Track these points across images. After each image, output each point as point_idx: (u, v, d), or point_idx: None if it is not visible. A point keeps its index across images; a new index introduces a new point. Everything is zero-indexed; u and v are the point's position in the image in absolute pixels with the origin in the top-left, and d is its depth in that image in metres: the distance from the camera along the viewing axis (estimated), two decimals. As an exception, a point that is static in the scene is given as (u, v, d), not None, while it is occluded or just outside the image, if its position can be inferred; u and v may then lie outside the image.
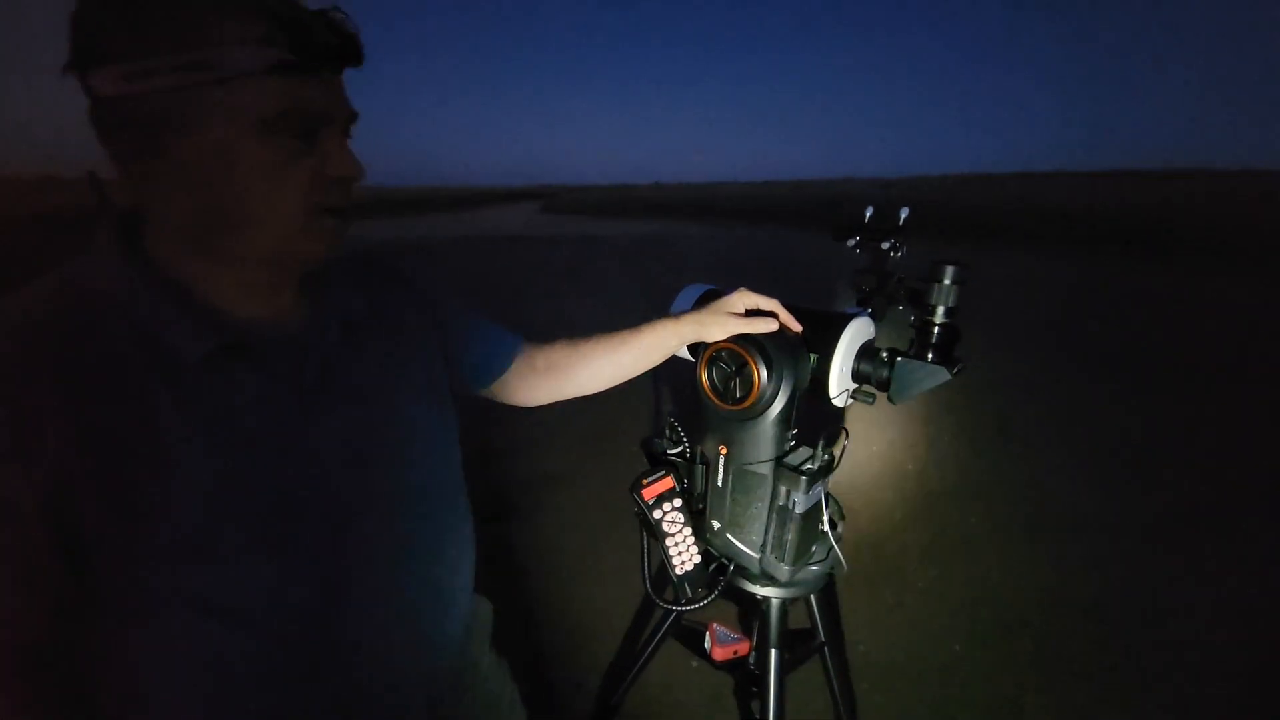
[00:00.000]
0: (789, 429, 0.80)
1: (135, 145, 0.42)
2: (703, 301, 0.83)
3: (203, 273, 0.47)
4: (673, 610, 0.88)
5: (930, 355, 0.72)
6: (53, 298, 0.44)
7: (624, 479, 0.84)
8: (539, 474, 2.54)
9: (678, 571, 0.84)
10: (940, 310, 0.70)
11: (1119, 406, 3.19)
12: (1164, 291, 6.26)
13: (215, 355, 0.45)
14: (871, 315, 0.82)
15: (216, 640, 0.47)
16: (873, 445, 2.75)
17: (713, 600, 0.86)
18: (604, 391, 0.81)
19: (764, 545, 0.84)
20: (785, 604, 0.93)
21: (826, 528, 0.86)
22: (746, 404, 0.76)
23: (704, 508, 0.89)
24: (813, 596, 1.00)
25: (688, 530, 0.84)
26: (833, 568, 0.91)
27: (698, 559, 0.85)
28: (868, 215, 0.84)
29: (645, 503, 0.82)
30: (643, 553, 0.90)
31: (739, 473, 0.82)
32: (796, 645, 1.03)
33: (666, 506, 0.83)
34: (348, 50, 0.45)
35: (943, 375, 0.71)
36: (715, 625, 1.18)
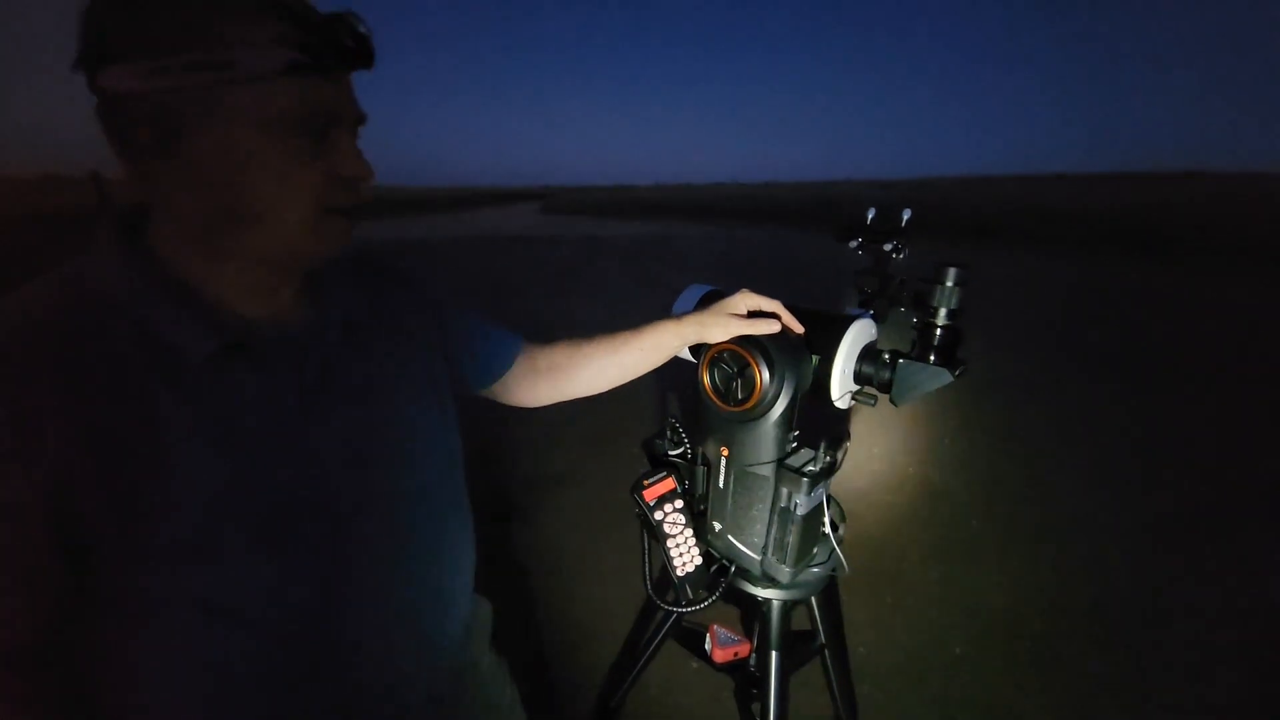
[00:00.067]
0: (791, 431, 0.80)
1: (146, 143, 0.41)
2: (704, 302, 0.83)
3: (207, 272, 0.47)
4: (674, 612, 0.88)
5: (932, 357, 0.72)
6: (54, 297, 0.44)
7: (625, 479, 0.84)
8: (539, 474, 2.54)
9: (679, 573, 0.84)
10: (942, 312, 0.70)
11: (1119, 407, 3.19)
12: (1164, 292, 6.27)
13: (217, 355, 0.45)
14: (873, 317, 0.81)
15: (217, 640, 0.47)
16: (873, 447, 2.75)
17: (714, 602, 0.85)
18: (605, 392, 0.81)
19: (765, 547, 0.83)
20: (786, 606, 0.93)
21: (828, 530, 0.86)
22: (748, 405, 0.76)
23: (705, 509, 0.89)
24: (814, 598, 1.00)
25: (689, 532, 0.84)
26: (834, 570, 0.91)
27: (699, 560, 0.85)
28: (870, 217, 0.84)
29: (646, 504, 0.82)
30: (643, 554, 0.90)
31: (740, 474, 0.82)
32: (797, 647, 1.03)
33: (668, 508, 0.83)
34: (361, 52, 0.45)
35: (945, 377, 0.71)
36: (716, 627, 1.18)
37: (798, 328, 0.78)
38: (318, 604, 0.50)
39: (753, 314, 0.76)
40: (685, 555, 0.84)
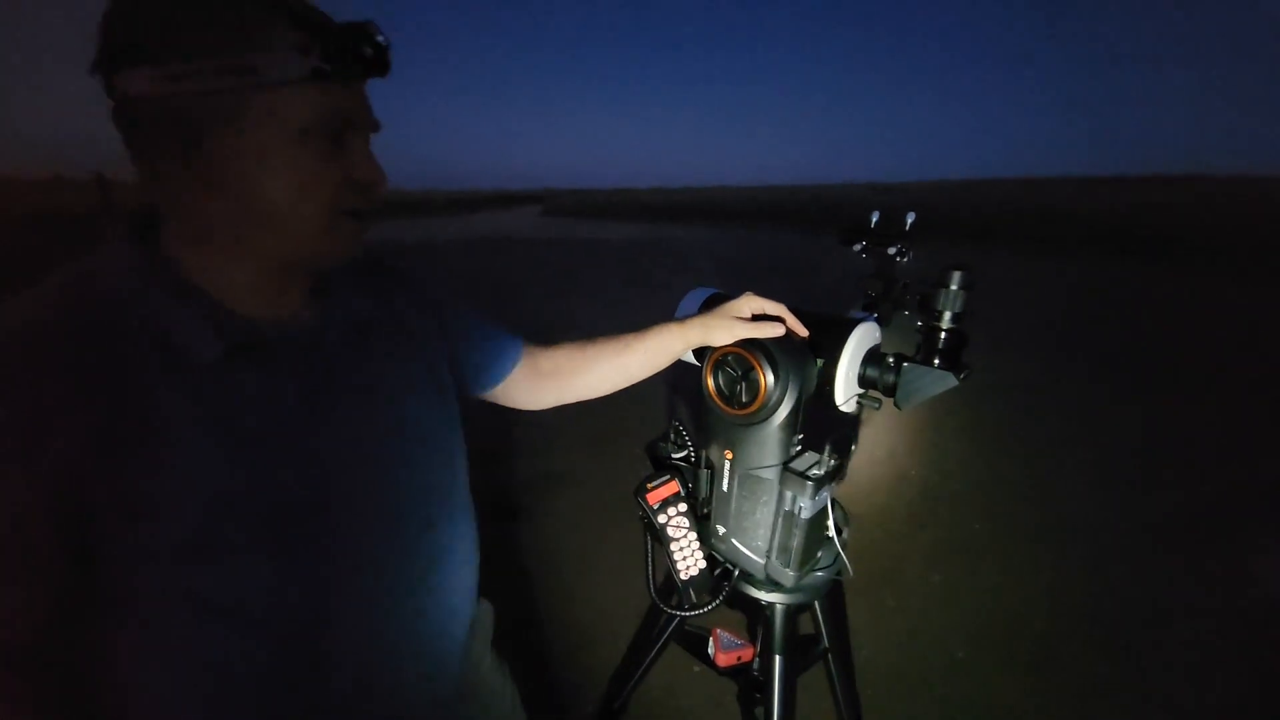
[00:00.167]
0: (795, 434, 0.80)
1: (165, 146, 0.42)
2: (708, 306, 0.83)
3: (218, 273, 0.47)
4: (676, 615, 0.88)
5: (937, 361, 0.72)
6: (62, 296, 0.44)
7: (627, 481, 0.84)
8: (542, 475, 2.53)
9: (682, 577, 0.84)
10: (947, 315, 0.70)
11: (1120, 408, 3.19)
12: (1165, 294, 6.27)
13: (226, 355, 0.45)
14: (878, 320, 0.81)
15: (217, 640, 0.47)
16: (875, 449, 2.75)
17: (717, 606, 0.85)
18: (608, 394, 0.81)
19: (769, 551, 0.83)
20: (790, 610, 0.93)
21: (832, 533, 0.85)
22: (753, 409, 0.75)
23: (709, 512, 0.89)
24: (817, 602, 0.99)
25: (692, 535, 0.84)
26: (838, 573, 0.91)
27: (702, 564, 0.85)
28: (874, 220, 0.84)
29: (650, 507, 0.82)
30: (647, 557, 0.90)
31: (744, 478, 0.82)
32: (801, 651, 1.03)
33: (671, 511, 0.83)
34: (379, 61, 0.46)
35: (950, 381, 0.71)
36: (719, 631, 1.17)
37: (802, 331, 0.78)
38: (319, 604, 0.50)
39: (757, 317, 0.76)
40: (689, 559, 0.84)
